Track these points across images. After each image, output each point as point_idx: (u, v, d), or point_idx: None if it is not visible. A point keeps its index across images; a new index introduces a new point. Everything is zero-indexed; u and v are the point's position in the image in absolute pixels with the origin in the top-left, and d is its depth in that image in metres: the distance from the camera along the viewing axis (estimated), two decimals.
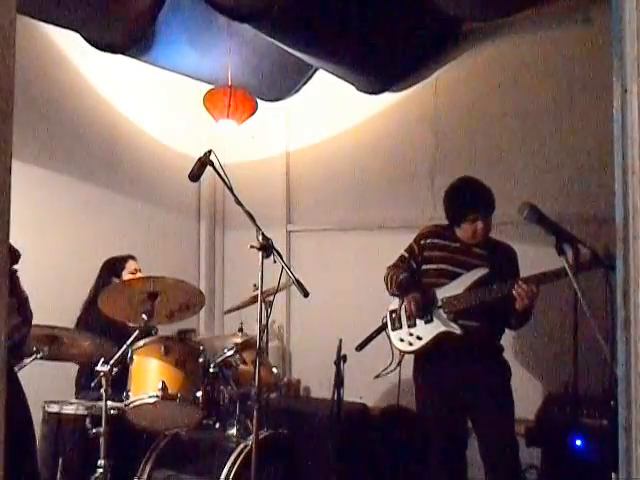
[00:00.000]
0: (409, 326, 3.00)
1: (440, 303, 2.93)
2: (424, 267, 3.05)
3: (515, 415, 2.95)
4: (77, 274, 3.76)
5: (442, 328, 2.91)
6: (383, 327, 3.10)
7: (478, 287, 2.86)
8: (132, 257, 3.63)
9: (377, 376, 3.11)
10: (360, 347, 3.12)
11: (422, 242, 3.08)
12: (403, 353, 3.06)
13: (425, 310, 2.93)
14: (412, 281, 3.02)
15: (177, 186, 4.66)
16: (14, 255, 2.09)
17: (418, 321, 2.97)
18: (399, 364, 3.08)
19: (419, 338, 2.96)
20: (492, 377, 2.93)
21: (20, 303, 2.38)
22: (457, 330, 2.87)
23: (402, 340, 3.01)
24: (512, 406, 2.92)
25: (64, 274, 3.90)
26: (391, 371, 3.09)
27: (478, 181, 2.96)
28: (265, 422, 3.03)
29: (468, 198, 2.94)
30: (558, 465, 3.11)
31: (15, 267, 2.20)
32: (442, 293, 2.95)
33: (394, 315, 3.06)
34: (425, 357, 3.00)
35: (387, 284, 3.10)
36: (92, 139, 4.22)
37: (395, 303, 3.09)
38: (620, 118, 1.42)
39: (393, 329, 3.05)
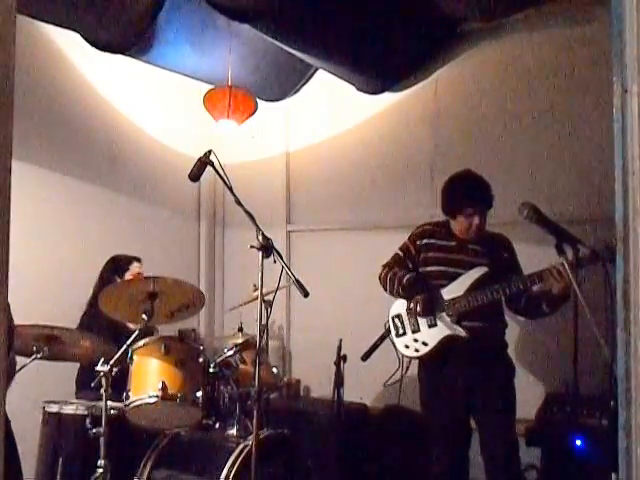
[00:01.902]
0: (413, 331, 2.99)
1: (443, 306, 2.93)
2: (422, 269, 3.04)
3: (515, 415, 2.95)
4: (77, 274, 3.76)
5: (447, 332, 2.90)
6: (387, 334, 3.09)
7: (479, 287, 2.85)
8: (138, 259, 3.61)
9: (386, 384, 3.11)
10: (366, 357, 3.12)
11: (418, 243, 3.06)
12: (410, 359, 3.05)
13: (431, 310, 2.92)
14: (418, 281, 3.00)
15: (177, 186, 4.66)
16: None
17: (422, 326, 2.96)
18: (407, 369, 3.07)
19: (425, 344, 2.95)
20: (497, 376, 2.93)
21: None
22: (462, 333, 2.87)
23: (407, 347, 3.00)
24: (514, 405, 2.92)
25: (64, 274, 3.90)
26: (400, 378, 3.08)
27: (478, 175, 2.95)
28: (265, 422, 3.03)
29: (467, 191, 2.93)
30: (558, 465, 3.11)
31: None
32: (443, 295, 2.94)
33: (397, 321, 3.05)
34: (430, 359, 2.99)
35: (386, 284, 3.07)
36: (92, 139, 4.22)
37: (396, 308, 3.07)
38: (620, 118, 1.42)
39: (397, 335, 3.04)
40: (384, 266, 3.13)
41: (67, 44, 3.98)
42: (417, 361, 3.07)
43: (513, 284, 2.78)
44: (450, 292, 2.92)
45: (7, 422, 2.51)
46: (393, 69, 4.31)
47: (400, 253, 3.12)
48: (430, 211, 4.15)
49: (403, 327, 3.03)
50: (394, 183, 4.41)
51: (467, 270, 2.91)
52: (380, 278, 3.11)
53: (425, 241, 3.05)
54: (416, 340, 2.97)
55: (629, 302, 1.39)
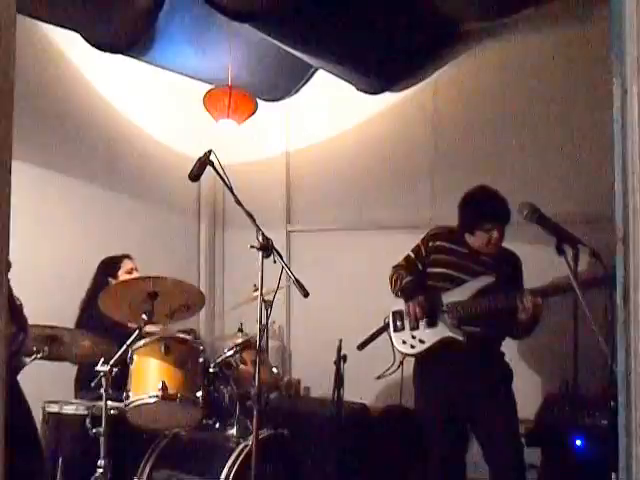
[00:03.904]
0: (412, 329, 2.99)
1: (445, 308, 2.93)
2: (429, 270, 3.04)
3: (518, 420, 2.94)
4: (77, 274, 3.75)
5: (445, 333, 2.90)
6: (385, 327, 3.10)
7: (484, 295, 2.86)
8: (128, 256, 3.61)
9: (378, 377, 3.11)
10: (361, 346, 3.12)
11: (430, 244, 3.06)
12: (404, 355, 3.05)
13: (430, 314, 2.93)
14: (417, 285, 3.00)
15: (177, 186, 4.66)
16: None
17: (421, 324, 2.96)
18: (400, 365, 3.07)
19: (421, 342, 2.95)
20: (494, 382, 2.93)
21: (14, 312, 2.35)
22: (460, 337, 2.87)
23: (404, 342, 3.00)
24: (515, 410, 2.92)
25: (64, 274, 3.89)
26: (392, 372, 3.08)
27: (497, 191, 2.95)
28: (265, 422, 3.02)
29: (488, 207, 2.92)
30: (558, 465, 3.11)
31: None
32: (447, 298, 2.94)
33: (397, 316, 3.05)
34: (426, 361, 2.99)
35: (392, 285, 3.09)
36: (92, 139, 4.22)
37: (399, 304, 3.08)
38: (620, 118, 1.42)
39: (395, 330, 3.04)
40: (394, 267, 3.14)
41: (67, 44, 3.97)
42: (413, 361, 3.07)
43: (518, 297, 2.80)
44: (454, 295, 2.92)
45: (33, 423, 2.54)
46: (393, 69, 4.31)
47: (411, 254, 3.12)
48: (430, 211, 4.16)
49: (402, 323, 3.03)
50: (394, 183, 4.41)
51: (473, 278, 2.92)
52: (389, 278, 3.12)
53: (437, 243, 3.04)
54: (414, 337, 2.97)
55: (629, 302, 1.39)
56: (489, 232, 2.89)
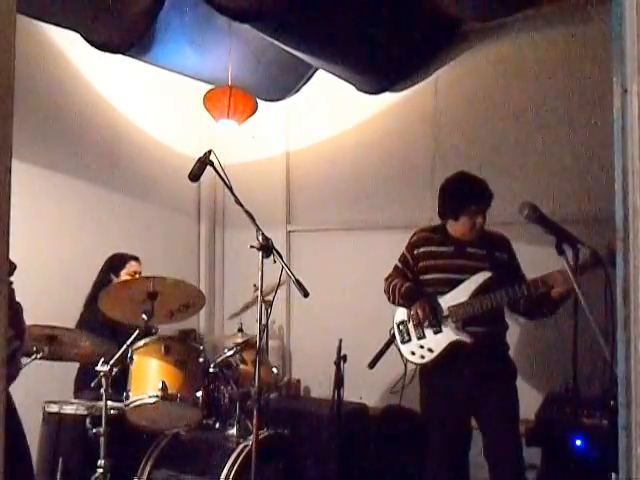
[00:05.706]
0: (418, 338, 2.98)
1: (447, 312, 2.92)
2: (421, 277, 3.03)
3: (519, 416, 2.95)
4: (77, 274, 3.76)
5: (452, 338, 2.90)
6: (392, 340, 3.09)
7: (484, 293, 2.84)
8: (136, 258, 3.60)
9: (392, 390, 3.10)
10: (372, 364, 3.10)
11: (415, 252, 3.05)
12: (415, 365, 3.05)
13: (433, 316, 2.92)
14: (417, 289, 3.00)
15: (177, 186, 4.66)
16: (9, 267, 2.01)
17: (427, 332, 2.96)
18: (412, 378, 3.06)
19: (430, 350, 2.94)
20: (499, 378, 2.93)
21: (13, 316, 2.33)
22: (467, 339, 2.87)
23: (413, 353, 2.99)
24: (517, 406, 2.93)
25: (64, 274, 3.90)
26: (407, 384, 3.07)
27: (476, 176, 2.95)
28: (265, 422, 3.03)
29: (469, 191, 2.91)
30: (558, 465, 3.11)
31: (10, 279, 2.15)
32: (447, 302, 2.93)
33: (402, 327, 3.05)
34: (434, 363, 2.97)
35: (389, 296, 3.08)
36: (92, 139, 4.22)
37: (400, 314, 3.07)
38: (620, 118, 1.42)
39: (402, 342, 3.04)
40: (386, 278, 3.14)
41: (67, 44, 3.98)
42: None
43: (518, 290, 2.78)
44: (454, 298, 2.91)
45: (15, 414, 2.52)
46: (393, 69, 4.31)
47: (399, 264, 3.12)
48: (430, 211, 4.14)
49: (408, 334, 3.02)
50: (394, 183, 4.41)
51: (469, 275, 2.90)
52: (384, 291, 3.12)
53: (422, 249, 3.04)
54: (422, 347, 2.97)
55: (629, 302, 1.39)
56: (473, 217, 2.88)
